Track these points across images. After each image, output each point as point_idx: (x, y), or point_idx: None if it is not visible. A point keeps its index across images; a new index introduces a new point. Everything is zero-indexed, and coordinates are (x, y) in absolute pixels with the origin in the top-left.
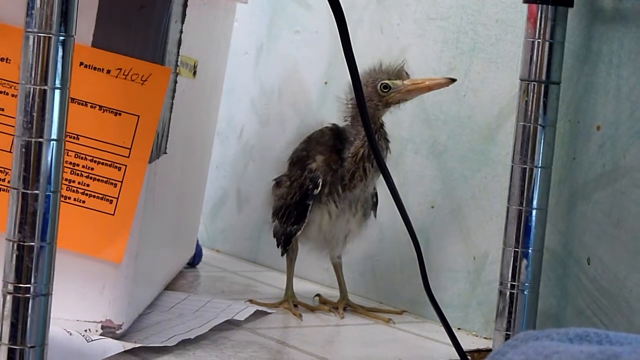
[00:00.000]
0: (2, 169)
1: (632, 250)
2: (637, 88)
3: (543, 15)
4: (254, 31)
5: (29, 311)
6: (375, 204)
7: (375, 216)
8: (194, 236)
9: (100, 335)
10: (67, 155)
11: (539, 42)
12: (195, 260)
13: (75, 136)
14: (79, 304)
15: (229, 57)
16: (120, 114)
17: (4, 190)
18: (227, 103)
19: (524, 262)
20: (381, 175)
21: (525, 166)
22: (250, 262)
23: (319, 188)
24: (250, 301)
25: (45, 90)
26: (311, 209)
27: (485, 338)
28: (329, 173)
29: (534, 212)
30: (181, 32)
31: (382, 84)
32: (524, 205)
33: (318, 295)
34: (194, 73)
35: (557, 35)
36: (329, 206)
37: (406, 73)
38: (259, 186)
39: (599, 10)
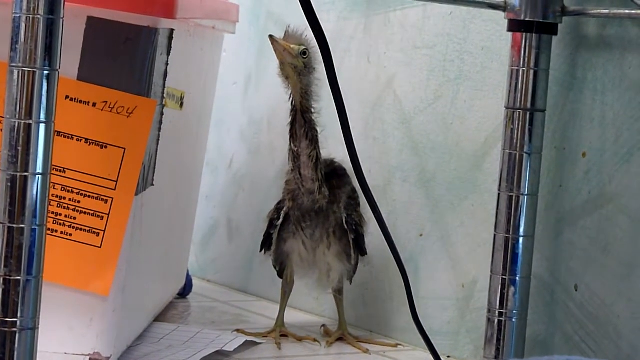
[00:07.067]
0: None
1: (619, 276)
2: (622, 114)
3: (527, 44)
4: (243, 61)
5: (16, 345)
6: (356, 240)
7: (365, 253)
8: (184, 267)
9: None
10: (54, 188)
11: (523, 70)
12: (185, 290)
13: (62, 169)
14: (67, 337)
15: (218, 87)
16: (106, 147)
17: None
18: (217, 133)
19: (512, 289)
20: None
21: (511, 194)
22: (241, 292)
23: (281, 219)
24: (238, 331)
25: (30, 125)
26: (287, 240)
27: None
28: (295, 204)
29: (521, 239)
30: (167, 64)
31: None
32: (511, 233)
33: (324, 325)
34: (181, 104)
35: (541, 63)
36: (301, 236)
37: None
38: (250, 215)
39: (583, 37)
